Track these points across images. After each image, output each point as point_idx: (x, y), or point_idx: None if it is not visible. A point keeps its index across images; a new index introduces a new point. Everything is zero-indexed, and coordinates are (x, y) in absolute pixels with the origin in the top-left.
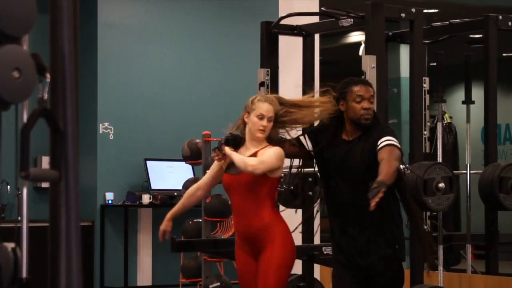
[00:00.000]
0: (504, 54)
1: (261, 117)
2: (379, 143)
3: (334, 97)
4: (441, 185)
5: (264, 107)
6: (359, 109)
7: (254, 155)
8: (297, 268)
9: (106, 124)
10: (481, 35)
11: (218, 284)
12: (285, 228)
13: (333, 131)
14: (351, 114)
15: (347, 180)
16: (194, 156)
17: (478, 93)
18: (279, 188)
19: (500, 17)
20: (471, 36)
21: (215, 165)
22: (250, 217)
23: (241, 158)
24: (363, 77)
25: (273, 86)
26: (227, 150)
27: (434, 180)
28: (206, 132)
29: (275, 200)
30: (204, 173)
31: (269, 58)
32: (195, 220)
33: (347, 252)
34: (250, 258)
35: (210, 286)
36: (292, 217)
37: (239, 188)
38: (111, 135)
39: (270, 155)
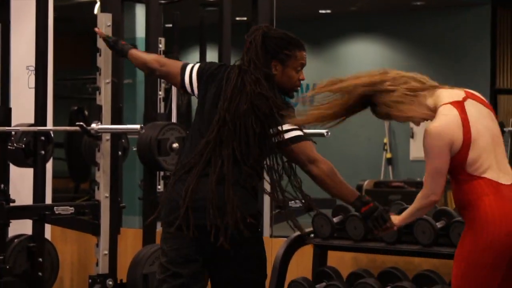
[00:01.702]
0: (237, 18)
1: None
2: None
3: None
4: (175, 145)
5: None
6: (295, 79)
7: None
8: (28, 228)
9: None
10: None
11: None
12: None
13: None
14: (285, 82)
15: None
16: None
17: (213, 55)
18: (9, 147)
19: None
20: None
21: None
22: None
23: None
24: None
25: (5, 43)
26: None
27: (168, 141)
28: None
29: None
30: None
31: None
32: None
33: None
34: None
35: None
36: (23, 176)
37: None
38: None
39: None
